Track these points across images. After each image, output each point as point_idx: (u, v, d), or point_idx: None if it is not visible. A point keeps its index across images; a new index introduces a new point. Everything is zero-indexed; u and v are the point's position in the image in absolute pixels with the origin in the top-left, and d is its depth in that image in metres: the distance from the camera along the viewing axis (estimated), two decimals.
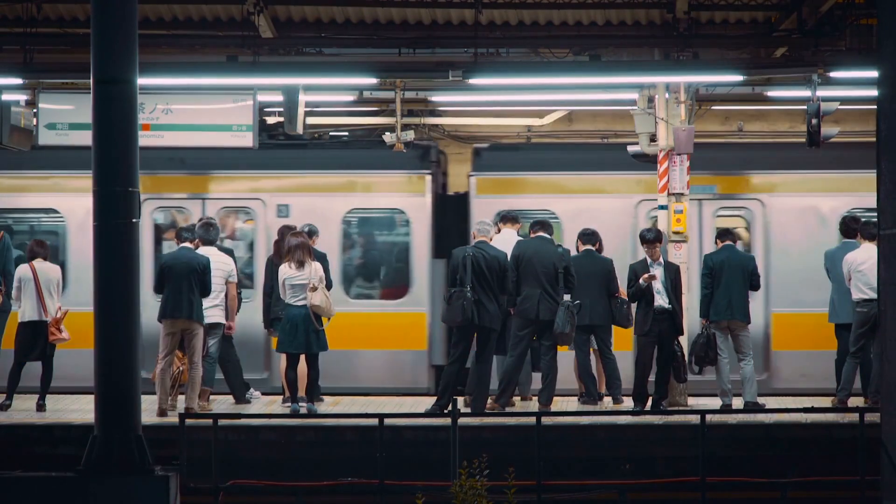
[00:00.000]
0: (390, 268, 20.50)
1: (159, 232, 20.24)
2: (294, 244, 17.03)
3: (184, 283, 16.81)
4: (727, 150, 20.86)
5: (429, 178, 20.23)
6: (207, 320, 17.25)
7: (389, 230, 20.28)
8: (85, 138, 13.24)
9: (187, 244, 17.29)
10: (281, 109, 18.56)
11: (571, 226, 19.23)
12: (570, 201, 20.03)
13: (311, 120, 20.35)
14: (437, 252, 19.96)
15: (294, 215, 19.77)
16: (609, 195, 20.12)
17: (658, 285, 17.07)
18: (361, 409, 17.53)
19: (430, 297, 19.84)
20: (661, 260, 17.31)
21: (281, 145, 20.44)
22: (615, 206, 20.02)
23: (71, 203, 19.97)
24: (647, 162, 18.76)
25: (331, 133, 21.63)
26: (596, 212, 19.74)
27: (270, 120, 20.53)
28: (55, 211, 20.20)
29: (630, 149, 19.27)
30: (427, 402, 17.54)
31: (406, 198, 20.16)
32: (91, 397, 12.69)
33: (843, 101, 19.58)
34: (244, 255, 20.14)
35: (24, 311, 17.60)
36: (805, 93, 17.72)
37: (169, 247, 19.47)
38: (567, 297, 17.01)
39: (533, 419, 14.95)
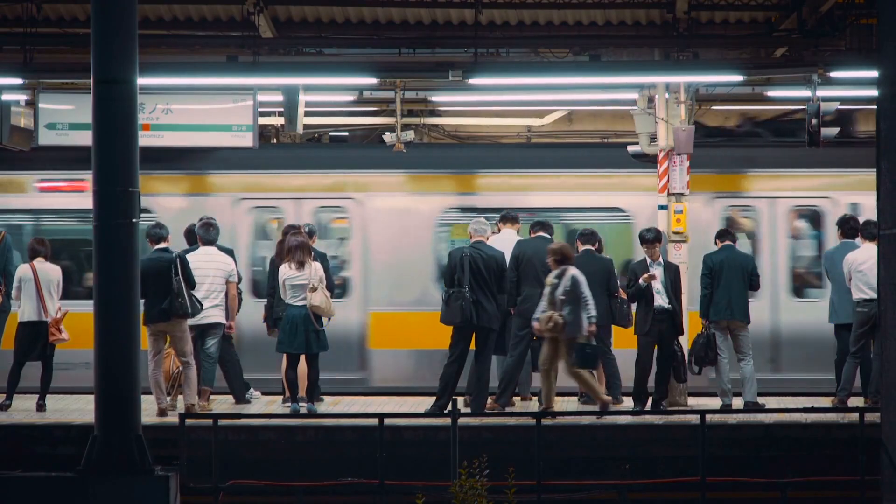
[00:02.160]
0: None
1: None
2: (294, 244, 16.99)
3: (160, 286, 16.73)
4: None
5: None
6: (207, 320, 17.24)
7: None
8: (85, 138, 13.25)
9: (162, 244, 17.02)
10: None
11: None
12: None
13: (310, 120, 20.34)
14: None
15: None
16: None
17: (658, 285, 17.06)
18: (361, 409, 17.53)
19: None
20: (661, 260, 17.31)
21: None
22: None
23: (638, 201, 19.69)
24: (646, 162, 18.76)
25: None
26: None
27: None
28: (621, 210, 19.93)
29: (630, 149, 19.27)
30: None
31: None
32: (91, 397, 12.72)
33: (843, 101, 19.58)
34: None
35: (24, 311, 17.54)
36: (805, 93, 17.73)
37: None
38: None
39: (533, 419, 14.96)
